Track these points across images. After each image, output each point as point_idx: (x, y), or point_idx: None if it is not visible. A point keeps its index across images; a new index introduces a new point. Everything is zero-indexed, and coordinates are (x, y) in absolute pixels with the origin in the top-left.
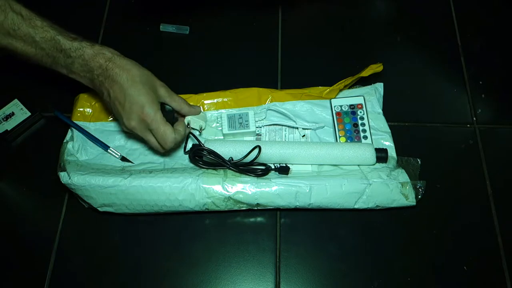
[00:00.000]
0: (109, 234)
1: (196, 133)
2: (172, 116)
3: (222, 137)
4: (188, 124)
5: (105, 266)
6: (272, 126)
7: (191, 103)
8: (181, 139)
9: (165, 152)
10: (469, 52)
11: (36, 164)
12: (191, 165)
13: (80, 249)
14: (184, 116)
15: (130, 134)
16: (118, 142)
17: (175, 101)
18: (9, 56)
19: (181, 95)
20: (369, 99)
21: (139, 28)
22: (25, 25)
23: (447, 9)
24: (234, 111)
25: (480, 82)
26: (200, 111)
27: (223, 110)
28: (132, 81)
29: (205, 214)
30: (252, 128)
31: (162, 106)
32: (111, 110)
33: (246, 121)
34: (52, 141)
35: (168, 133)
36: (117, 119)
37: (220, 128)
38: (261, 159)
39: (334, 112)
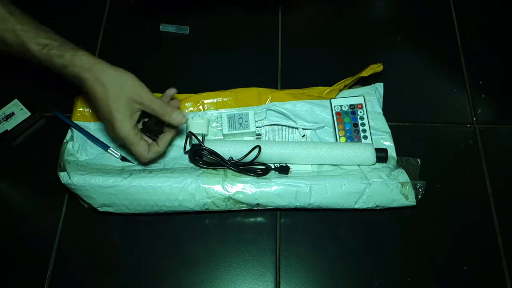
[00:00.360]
0: (109, 234)
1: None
2: (159, 127)
3: (222, 137)
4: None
5: (105, 266)
6: (272, 126)
7: (190, 103)
8: (155, 155)
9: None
10: (469, 52)
11: (36, 164)
12: (191, 165)
13: (80, 249)
14: (171, 123)
15: None
16: (118, 142)
17: (153, 110)
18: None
19: (181, 95)
20: (369, 99)
21: (139, 28)
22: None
23: (447, 9)
24: (234, 111)
25: (480, 82)
26: (186, 121)
27: (223, 110)
28: (104, 96)
29: (205, 214)
30: (252, 128)
31: (147, 116)
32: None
33: (246, 121)
34: (52, 141)
35: (140, 152)
36: None
37: (220, 128)
38: (261, 159)
39: (334, 112)
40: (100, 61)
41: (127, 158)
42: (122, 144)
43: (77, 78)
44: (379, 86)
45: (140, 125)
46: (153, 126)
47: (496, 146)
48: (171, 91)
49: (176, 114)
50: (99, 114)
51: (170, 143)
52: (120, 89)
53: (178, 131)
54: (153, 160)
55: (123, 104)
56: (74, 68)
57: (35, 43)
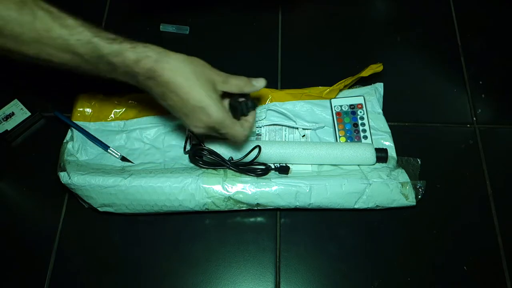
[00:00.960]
0: (109, 234)
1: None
2: (245, 106)
3: None
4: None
5: (105, 266)
6: (272, 126)
7: None
8: (250, 131)
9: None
10: (469, 52)
11: (36, 164)
12: (191, 165)
13: (80, 249)
14: (254, 90)
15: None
16: (118, 142)
17: (232, 86)
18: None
19: None
20: (369, 99)
21: (139, 28)
22: (57, 26)
23: (447, 9)
24: None
25: (480, 82)
26: (263, 84)
27: None
28: (188, 85)
29: (205, 214)
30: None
31: (230, 96)
32: (166, 109)
33: None
34: (52, 141)
35: (238, 133)
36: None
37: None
38: (261, 159)
39: (334, 112)
40: (167, 50)
41: (127, 158)
42: (211, 133)
43: (150, 72)
44: (379, 86)
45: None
46: (237, 103)
47: (496, 146)
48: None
49: (256, 80)
50: (180, 108)
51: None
52: (201, 73)
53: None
54: (247, 138)
55: (210, 88)
56: (148, 60)
57: (103, 38)
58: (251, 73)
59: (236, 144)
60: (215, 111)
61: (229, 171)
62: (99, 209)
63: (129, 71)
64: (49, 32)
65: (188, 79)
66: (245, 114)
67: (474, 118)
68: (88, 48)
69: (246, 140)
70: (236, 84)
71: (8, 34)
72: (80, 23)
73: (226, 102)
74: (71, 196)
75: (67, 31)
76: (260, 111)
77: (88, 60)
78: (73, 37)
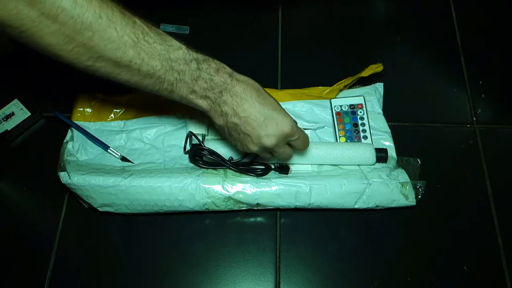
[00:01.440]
0: (109, 234)
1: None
2: None
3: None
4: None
5: (105, 266)
6: None
7: None
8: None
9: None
10: (469, 52)
11: (36, 164)
12: (191, 165)
13: (80, 249)
14: None
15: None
16: (118, 142)
17: (297, 144)
18: (12, 55)
19: None
20: (369, 99)
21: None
22: (153, 32)
23: (447, 9)
24: None
25: (480, 82)
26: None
27: None
28: (261, 97)
29: (205, 214)
30: None
31: None
32: (229, 133)
33: None
34: (52, 141)
35: (306, 137)
36: (238, 142)
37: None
38: (261, 158)
39: (334, 112)
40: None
41: (127, 158)
42: (279, 146)
43: (226, 83)
44: (379, 86)
45: None
46: None
47: (496, 146)
48: None
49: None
50: (252, 121)
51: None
52: (263, 89)
53: None
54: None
55: (275, 100)
56: (225, 70)
57: (187, 46)
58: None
59: (303, 149)
60: (288, 120)
61: (229, 171)
62: (99, 209)
63: (210, 81)
64: (146, 36)
65: (259, 92)
66: None
67: (474, 118)
68: (179, 53)
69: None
70: (301, 143)
71: (112, 34)
72: (162, 31)
73: None
74: (71, 196)
75: (160, 37)
76: None
77: (175, 68)
78: (166, 42)
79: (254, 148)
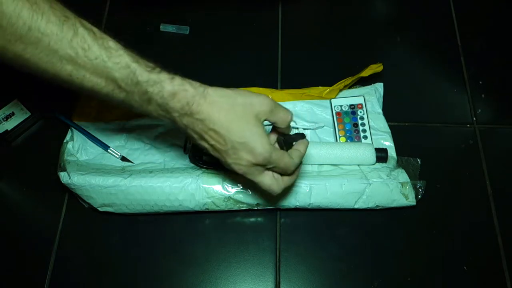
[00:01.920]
0: (109, 234)
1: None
2: (289, 139)
3: None
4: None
5: (105, 266)
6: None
7: None
8: (300, 160)
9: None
10: (469, 52)
11: (36, 164)
12: (191, 165)
13: (80, 249)
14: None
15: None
16: (118, 142)
17: (278, 118)
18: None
19: None
20: (369, 99)
21: (139, 28)
22: (96, 46)
23: (447, 9)
24: None
25: (480, 82)
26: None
27: None
28: (227, 119)
29: (205, 214)
30: None
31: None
32: (206, 151)
33: None
34: (52, 141)
35: (287, 164)
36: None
37: None
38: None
39: (334, 112)
40: (205, 85)
41: (127, 158)
42: (253, 175)
43: (186, 108)
44: (379, 86)
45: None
46: (284, 136)
47: (496, 146)
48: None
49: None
50: (220, 148)
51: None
52: (242, 106)
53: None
54: (298, 167)
55: (252, 121)
56: (185, 94)
57: (142, 65)
58: (251, 73)
59: (276, 187)
60: (259, 146)
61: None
62: (99, 209)
63: (164, 105)
64: (87, 52)
65: (228, 114)
66: (291, 146)
67: (474, 118)
68: (125, 73)
69: (296, 169)
70: (282, 117)
71: (45, 48)
72: (121, 46)
73: (273, 137)
74: (71, 196)
75: (106, 53)
76: None
77: (123, 88)
78: (111, 59)
79: (246, 161)
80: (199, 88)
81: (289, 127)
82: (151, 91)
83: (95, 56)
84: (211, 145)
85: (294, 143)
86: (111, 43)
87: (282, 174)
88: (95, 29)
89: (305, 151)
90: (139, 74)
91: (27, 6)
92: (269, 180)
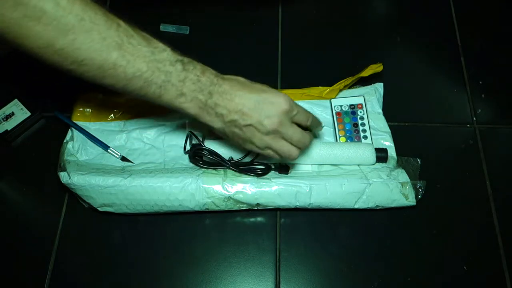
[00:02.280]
0: (109, 234)
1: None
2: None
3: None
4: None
5: (105, 266)
6: None
7: None
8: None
9: (298, 153)
10: (469, 52)
11: (36, 164)
12: (191, 165)
13: (80, 249)
14: None
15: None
16: (118, 142)
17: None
18: (12, 55)
19: None
20: (369, 99)
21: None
22: (137, 34)
23: (447, 9)
24: None
25: (480, 82)
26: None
27: None
28: (248, 87)
29: (205, 214)
30: None
31: None
32: (231, 133)
33: None
34: (52, 141)
35: (309, 114)
36: (243, 139)
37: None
38: (261, 158)
39: (334, 112)
40: None
41: (127, 158)
42: (285, 127)
43: (215, 79)
44: (379, 86)
45: None
46: None
47: (496, 146)
48: None
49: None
50: (247, 110)
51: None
52: (247, 81)
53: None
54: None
55: (262, 86)
56: (210, 71)
57: (172, 58)
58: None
59: (295, 150)
60: (279, 95)
61: (229, 171)
62: (99, 209)
63: (197, 82)
64: (131, 39)
65: (245, 82)
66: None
67: (474, 118)
68: (164, 55)
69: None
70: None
71: (95, 36)
72: (152, 35)
73: None
74: (71, 196)
75: (145, 40)
76: None
77: (162, 70)
78: (150, 44)
79: (261, 140)
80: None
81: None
82: (187, 68)
83: (138, 42)
84: (240, 112)
85: None
86: (145, 33)
87: (303, 127)
88: (130, 24)
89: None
90: (177, 55)
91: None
92: (299, 130)
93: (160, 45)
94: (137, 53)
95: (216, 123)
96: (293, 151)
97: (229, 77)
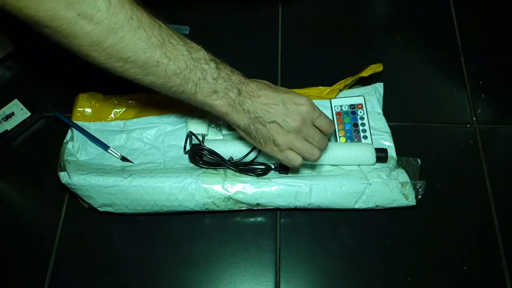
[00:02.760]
0: (109, 234)
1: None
2: None
3: (221, 137)
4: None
5: (105, 266)
6: None
7: None
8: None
9: (319, 154)
10: (469, 52)
11: (36, 164)
12: (191, 165)
13: (80, 249)
14: None
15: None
16: (118, 142)
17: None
18: (12, 55)
19: None
20: (369, 99)
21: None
22: (175, 35)
23: (447, 9)
24: None
25: (480, 82)
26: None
27: None
28: (273, 88)
29: (205, 214)
30: None
31: None
32: (255, 130)
33: None
34: (52, 141)
35: (329, 120)
36: (265, 137)
37: (219, 128)
38: (261, 159)
39: (334, 112)
40: None
41: (127, 158)
42: (307, 128)
43: (243, 79)
44: (379, 86)
45: None
46: None
47: (496, 146)
48: None
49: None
50: (272, 108)
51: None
52: (270, 83)
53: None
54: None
55: (285, 88)
56: (236, 71)
57: (207, 57)
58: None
59: (330, 130)
60: (301, 96)
61: (229, 171)
62: (99, 209)
63: (228, 80)
64: (171, 38)
65: (269, 84)
66: None
67: (474, 118)
68: (201, 54)
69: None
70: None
71: (142, 34)
72: (185, 37)
73: None
74: (71, 196)
75: (182, 39)
76: None
77: (197, 66)
78: (187, 45)
79: (284, 138)
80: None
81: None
82: (220, 67)
83: (177, 42)
84: (265, 108)
85: None
86: (180, 34)
87: (326, 125)
88: (167, 25)
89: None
90: (209, 55)
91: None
92: (319, 133)
93: (195, 45)
94: (176, 51)
95: (243, 120)
96: (316, 151)
97: (255, 79)
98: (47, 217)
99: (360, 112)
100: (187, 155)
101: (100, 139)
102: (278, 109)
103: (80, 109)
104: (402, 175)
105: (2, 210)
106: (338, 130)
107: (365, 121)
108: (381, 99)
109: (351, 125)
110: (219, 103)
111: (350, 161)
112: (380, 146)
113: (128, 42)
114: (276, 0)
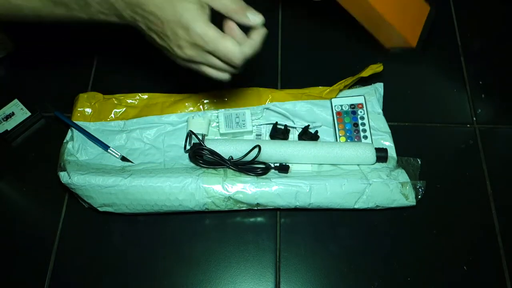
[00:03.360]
0: (109, 234)
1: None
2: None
3: (221, 137)
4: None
5: (105, 266)
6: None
7: (190, 103)
8: (253, 50)
9: (235, 71)
10: (469, 52)
11: (36, 164)
12: (191, 165)
13: (80, 249)
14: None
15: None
16: (118, 142)
17: (218, 4)
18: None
19: (181, 95)
20: (369, 99)
21: None
22: None
23: (447, 9)
24: (231, 110)
25: (480, 82)
26: (259, 21)
27: (222, 110)
28: (164, 2)
29: (205, 214)
30: (248, 127)
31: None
32: (156, 46)
33: (243, 120)
34: (52, 141)
35: (230, 47)
36: (171, 43)
37: (218, 128)
38: (261, 158)
39: (334, 111)
40: None
41: (127, 158)
42: (200, 57)
43: (123, 0)
44: (379, 86)
45: None
46: None
47: (496, 146)
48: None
49: (252, 13)
50: (159, 33)
51: (263, 39)
52: None
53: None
54: (248, 61)
55: (191, 2)
56: None
57: None
58: (251, 73)
59: (232, 64)
60: (194, 24)
61: (229, 170)
62: (99, 209)
63: (104, 2)
64: None
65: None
66: None
67: (474, 118)
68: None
69: (241, 60)
70: (224, 3)
71: None
72: None
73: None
74: (71, 196)
75: None
76: (259, 111)
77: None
78: None
79: (179, 60)
80: None
81: (238, 14)
82: None
83: None
84: (155, 32)
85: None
86: None
87: (229, 64)
88: None
89: (260, 41)
90: None
91: None
92: (220, 63)
93: None
94: None
95: (140, 31)
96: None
97: None
98: (47, 217)
99: (361, 112)
100: (187, 155)
101: (100, 139)
102: (167, 37)
103: (80, 109)
104: (402, 175)
105: (2, 210)
106: (338, 130)
107: (366, 121)
108: (381, 99)
109: (351, 124)
110: (115, 20)
111: (350, 160)
112: (380, 146)
113: None
114: (276, 0)
